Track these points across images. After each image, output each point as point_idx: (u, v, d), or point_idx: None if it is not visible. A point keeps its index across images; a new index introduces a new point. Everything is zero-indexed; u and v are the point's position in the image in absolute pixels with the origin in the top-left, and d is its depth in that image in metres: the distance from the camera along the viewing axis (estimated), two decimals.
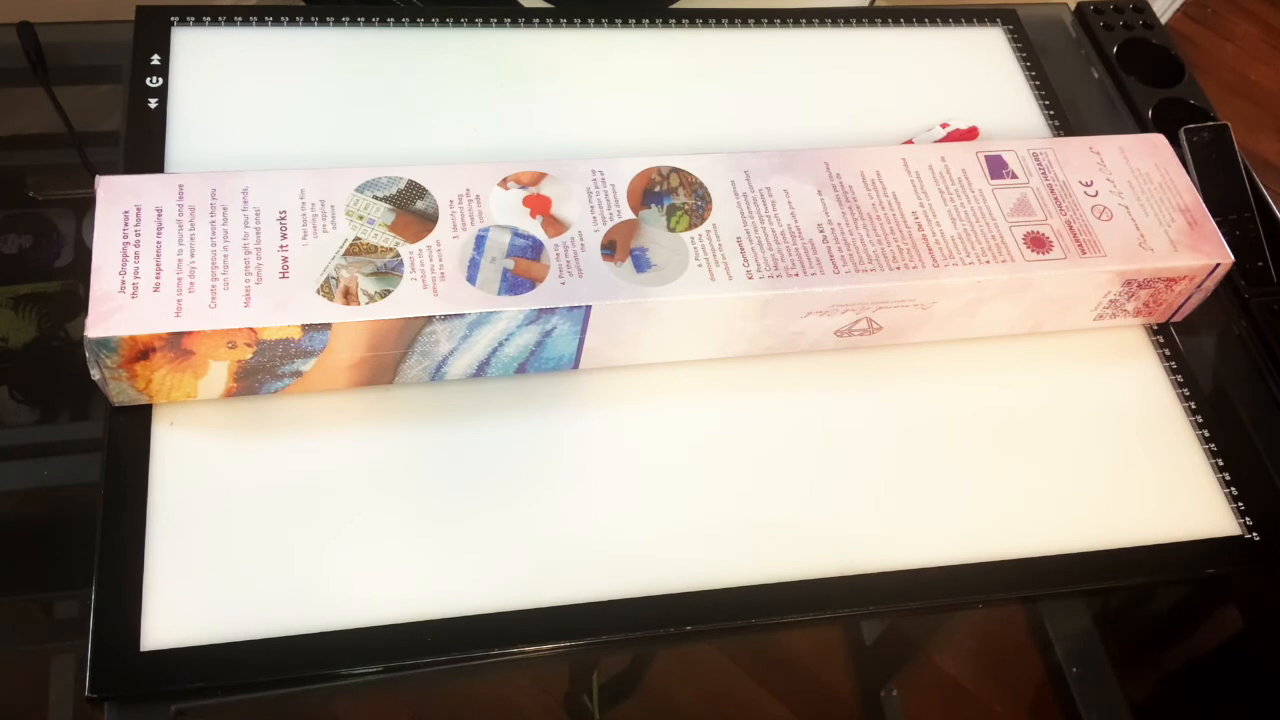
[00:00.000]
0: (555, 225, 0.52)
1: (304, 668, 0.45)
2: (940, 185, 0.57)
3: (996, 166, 0.58)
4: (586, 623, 0.48)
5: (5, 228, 0.57)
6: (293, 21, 0.64)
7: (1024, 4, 0.75)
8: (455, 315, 0.48)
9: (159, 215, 0.49)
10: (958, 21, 0.73)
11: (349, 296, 0.48)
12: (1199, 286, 0.59)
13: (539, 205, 0.52)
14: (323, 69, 0.62)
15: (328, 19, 0.64)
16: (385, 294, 0.48)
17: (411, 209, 0.51)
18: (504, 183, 0.53)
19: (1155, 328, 0.61)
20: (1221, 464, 0.57)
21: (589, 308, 0.50)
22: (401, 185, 0.52)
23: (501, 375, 0.53)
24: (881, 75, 0.69)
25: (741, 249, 0.52)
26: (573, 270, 0.50)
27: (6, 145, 0.61)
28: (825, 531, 0.51)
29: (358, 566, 0.47)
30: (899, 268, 0.53)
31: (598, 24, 0.68)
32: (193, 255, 0.48)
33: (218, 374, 0.48)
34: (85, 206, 0.57)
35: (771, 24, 0.70)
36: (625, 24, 0.68)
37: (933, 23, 0.72)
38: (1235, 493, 0.56)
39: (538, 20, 0.67)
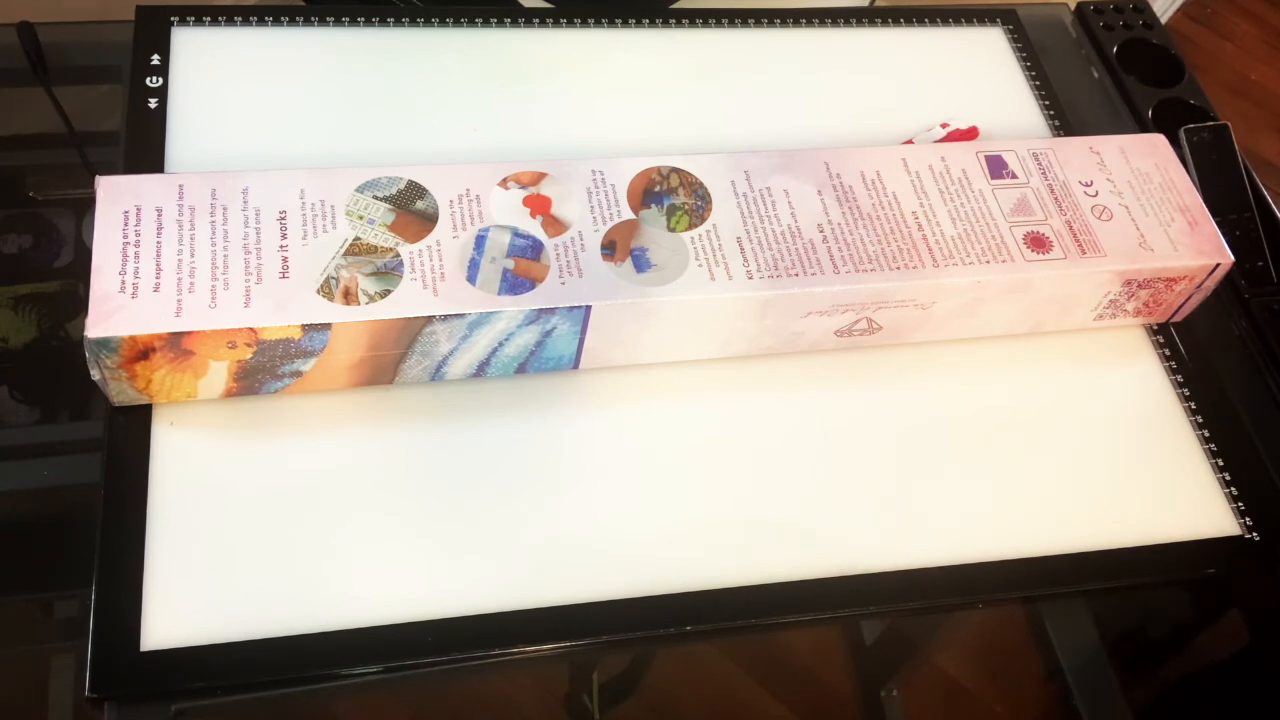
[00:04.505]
0: (555, 225, 0.52)
1: (304, 668, 0.45)
2: (940, 185, 0.57)
3: (996, 166, 0.58)
4: (586, 623, 0.48)
5: (5, 228, 0.57)
6: (293, 21, 0.64)
7: (1024, 4, 0.75)
8: (455, 315, 0.48)
9: (159, 215, 0.49)
10: (958, 21, 0.73)
11: (349, 296, 0.48)
12: (1199, 286, 0.59)
13: (539, 205, 0.52)
14: (323, 69, 0.62)
15: (328, 19, 0.64)
16: (385, 294, 0.48)
17: (411, 209, 0.51)
18: (504, 183, 0.53)
19: (1155, 328, 0.61)
20: (1221, 464, 0.57)
21: (589, 308, 0.50)
22: (401, 185, 0.52)
23: (501, 375, 0.53)
24: (881, 75, 0.69)
25: (741, 249, 0.52)
26: (573, 270, 0.50)
27: (6, 145, 0.62)
28: (825, 531, 0.51)
29: (358, 566, 0.47)
30: (899, 268, 0.53)
31: (598, 24, 0.68)
32: (193, 255, 0.48)
33: (218, 374, 0.48)
34: (85, 206, 0.57)
35: (771, 24, 0.70)
36: (625, 24, 0.68)
37: (933, 23, 0.72)
38: (1235, 493, 0.56)
39: (538, 20, 0.67)
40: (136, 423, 0.50)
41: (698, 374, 0.55)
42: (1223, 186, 0.67)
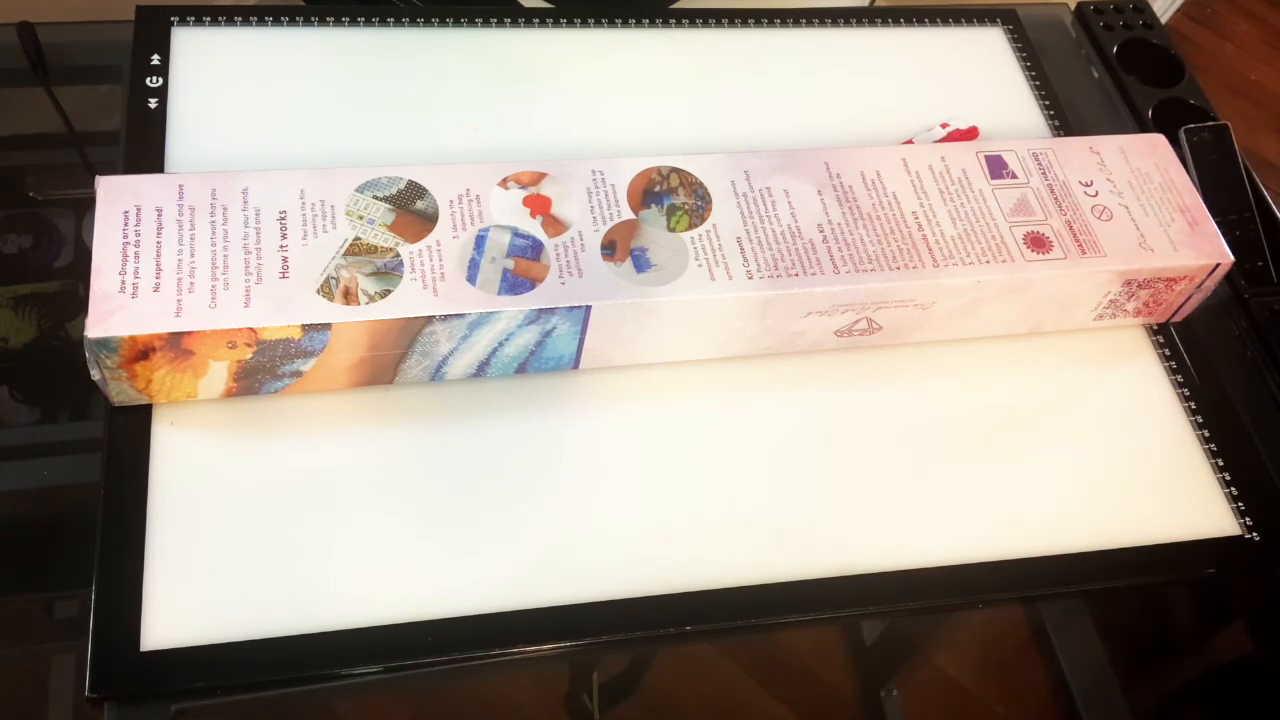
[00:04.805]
0: (555, 225, 0.52)
1: (304, 668, 0.45)
2: (940, 185, 0.57)
3: (996, 166, 0.58)
4: (586, 623, 0.48)
5: (5, 228, 0.57)
6: (293, 21, 0.64)
7: (1024, 4, 0.75)
8: (455, 315, 0.48)
9: (159, 215, 0.49)
10: (958, 21, 0.73)
11: (349, 296, 0.48)
12: (1199, 286, 0.59)
13: (539, 205, 0.52)
14: (323, 69, 0.62)
15: (328, 19, 0.64)
16: (385, 294, 0.48)
17: (411, 209, 0.51)
18: (504, 183, 0.53)
19: (1155, 328, 0.61)
20: (1221, 464, 0.57)
21: (589, 308, 0.50)
22: (401, 185, 0.52)
23: (501, 375, 0.53)
24: (881, 75, 0.69)
25: (741, 249, 0.52)
26: (573, 270, 0.50)
27: (6, 145, 0.62)
28: (825, 531, 0.51)
29: (358, 566, 0.47)
30: (899, 268, 0.53)
31: (598, 24, 0.68)
32: (193, 255, 0.48)
33: (218, 374, 0.48)
34: (85, 206, 0.57)
35: (771, 24, 0.70)
36: (625, 24, 0.68)
37: (933, 23, 0.72)
38: (1235, 493, 0.56)
39: (538, 20, 0.67)
40: (136, 423, 0.50)
41: (698, 374, 0.55)
42: (1223, 186, 0.67)
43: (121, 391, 0.49)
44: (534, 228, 0.51)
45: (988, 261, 0.54)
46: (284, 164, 0.58)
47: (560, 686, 0.49)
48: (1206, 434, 0.58)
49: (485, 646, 0.47)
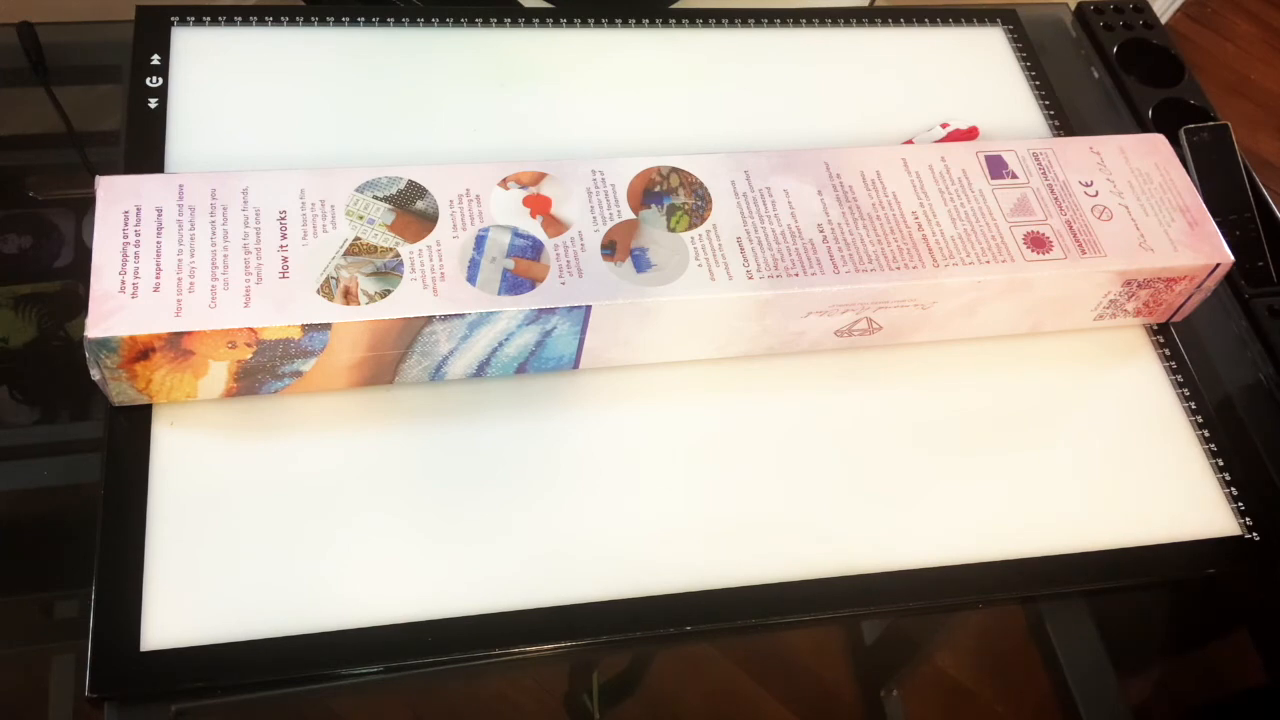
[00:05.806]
0: (555, 225, 0.52)
1: (304, 668, 0.45)
2: (940, 185, 0.57)
3: (996, 166, 0.58)
4: (586, 623, 0.48)
5: (5, 228, 0.57)
6: (293, 21, 0.64)
7: (1024, 4, 0.75)
8: (455, 315, 0.48)
9: (159, 215, 0.49)
10: (958, 21, 0.73)
11: (349, 296, 0.48)
12: (1199, 286, 0.59)
13: (539, 205, 0.52)
14: (323, 69, 0.62)
15: (328, 19, 0.64)
16: (385, 294, 0.48)
17: (411, 209, 0.51)
18: (504, 183, 0.53)
19: (1155, 328, 0.61)
20: (1221, 464, 0.57)
21: (589, 308, 0.50)
22: (401, 185, 0.52)
23: (501, 375, 0.53)
24: (881, 75, 0.69)
25: (741, 249, 0.52)
26: (573, 270, 0.50)
27: (6, 145, 0.62)
28: (825, 531, 0.51)
29: (358, 566, 0.47)
30: (899, 268, 0.53)
31: (598, 24, 0.68)
32: (193, 255, 0.48)
33: (218, 374, 0.48)
34: (85, 206, 0.57)
35: (772, 24, 0.70)
36: (625, 24, 0.68)
37: (933, 23, 0.72)
38: (1235, 493, 0.56)
39: (538, 20, 0.67)
40: (136, 423, 0.50)
41: (698, 374, 0.55)
42: (1223, 186, 0.67)
43: (121, 391, 0.49)
44: (534, 228, 0.51)
45: (988, 261, 0.54)
46: (284, 164, 0.58)
47: (560, 686, 0.49)
48: (1206, 434, 0.58)
49: (485, 646, 0.47)
